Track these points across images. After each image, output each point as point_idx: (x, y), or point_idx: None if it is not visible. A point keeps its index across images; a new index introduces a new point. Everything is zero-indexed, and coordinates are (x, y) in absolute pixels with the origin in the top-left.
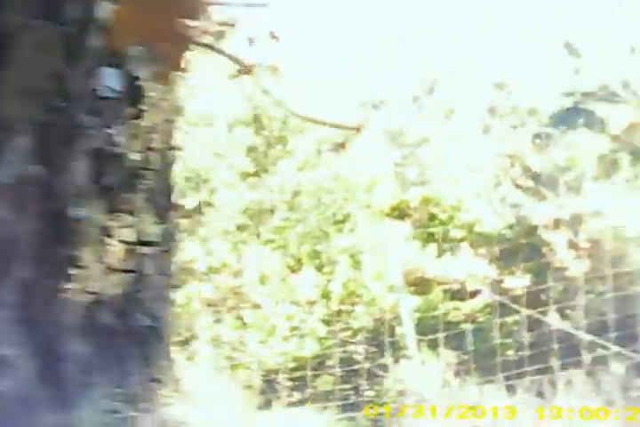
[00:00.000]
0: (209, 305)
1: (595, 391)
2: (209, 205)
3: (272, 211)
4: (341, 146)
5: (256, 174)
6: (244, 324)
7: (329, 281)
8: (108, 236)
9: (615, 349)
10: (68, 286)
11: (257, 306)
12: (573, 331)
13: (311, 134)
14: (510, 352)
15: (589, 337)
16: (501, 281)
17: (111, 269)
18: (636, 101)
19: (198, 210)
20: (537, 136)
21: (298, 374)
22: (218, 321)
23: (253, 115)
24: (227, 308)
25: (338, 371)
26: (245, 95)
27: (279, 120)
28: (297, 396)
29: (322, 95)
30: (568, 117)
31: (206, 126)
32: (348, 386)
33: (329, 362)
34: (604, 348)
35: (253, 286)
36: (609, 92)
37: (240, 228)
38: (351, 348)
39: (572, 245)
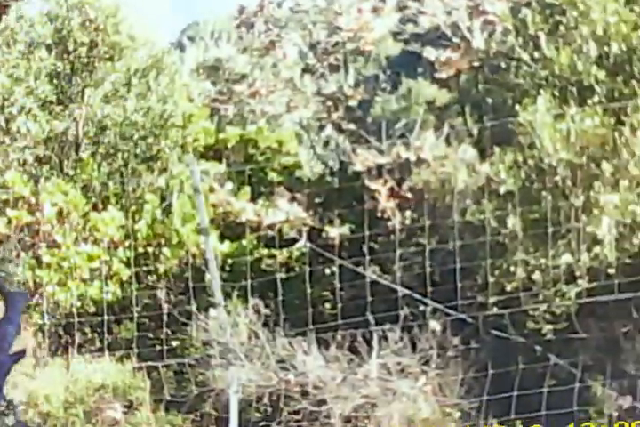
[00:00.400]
0: (0, 241)
1: (410, 348)
2: (6, 133)
3: (76, 144)
4: None
5: (60, 103)
6: (40, 263)
7: (135, 221)
8: None
9: (433, 304)
10: None
11: (55, 244)
12: (391, 284)
13: (122, 62)
14: (325, 305)
15: (407, 291)
16: (320, 230)
17: None
18: (464, 45)
19: None
20: (364, 78)
21: (97, 319)
22: (10, 260)
23: (57, 37)
24: (21, 245)
25: (141, 318)
26: (49, 14)
27: (86, 45)
28: (96, 343)
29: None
30: (402, 62)
31: (3, 46)
32: (151, 334)
33: (132, 308)
34: (422, 303)
35: (51, 222)
36: (439, 34)
37: (40, 160)
38: (156, 293)
39: (395, 195)
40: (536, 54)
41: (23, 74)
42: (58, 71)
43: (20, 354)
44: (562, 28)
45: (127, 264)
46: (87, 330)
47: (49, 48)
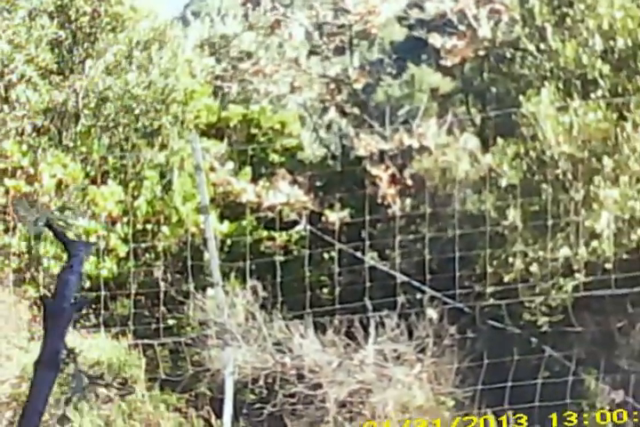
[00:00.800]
0: None
1: (407, 336)
2: (4, 101)
3: (76, 115)
4: None
5: (60, 73)
6: (37, 235)
7: (134, 197)
8: None
9: (431, 292)
10: None
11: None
12: (389, 270)
13: (124, 34)
14: (323, 289)
15: (405, 278)
16: (320, 213)
17: None
18: (470, 34)
19: None
20: (369, 62)
21: (93, 295)
22: (7, 230)
23: (59, 4)
24: (17, 215)
25: (137, 295)
26: None
27: (88, 15)
28: (91, 319)
29: None
30: (407, 47)
31: (4, 11)
32: (147, 312)
33: (128, 285)
34: (420, 291)
35: (49, 194)
36: (445, 21)
37: (38, 130)
38: (153, 271)
39: (396, 181)
40: (542, 46)
41: (24, 41)
42: (59, 40)
43: (82, 303)
44: (568, 20)
45: (125, 240)
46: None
47: (51, 16)
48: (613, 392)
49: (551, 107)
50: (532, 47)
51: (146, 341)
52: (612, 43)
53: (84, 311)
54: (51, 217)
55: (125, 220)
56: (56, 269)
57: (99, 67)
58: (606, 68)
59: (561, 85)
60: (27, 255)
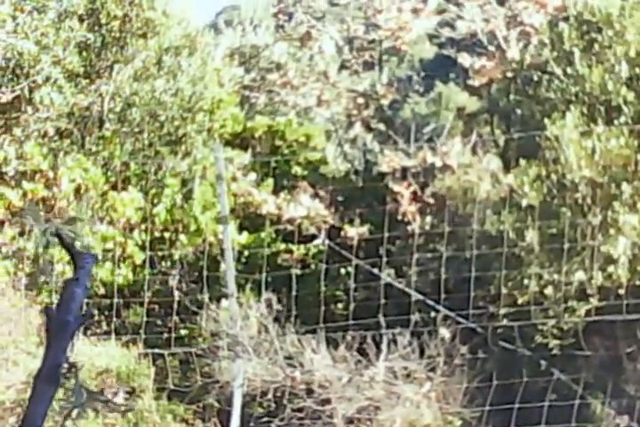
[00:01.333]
0: (14, 214)
1: (418, 354)
2: (28, 102)
3: (100, 120)
4: None
5: (87, 76)
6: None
7: (154, 205)
8: None
9: (445, 312)
10: None
11: (70, 221)
12: (405, 288)
13: (154, 40)
14: (338, 304)
15: (420, 297)
16: (339, 228)
17: None
18: (499, 55)
19: (15, 106)
20: (397, 79)
21: (106, 302)
22: (22, 234)
23: (90, 7)
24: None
25: (151, 304)
26: None
27: (119, 19)
28: (103, 326)
29: None
30: (436, 66)
31: (34, 11)
32: (159, 321)
33: (142, 293)
34: (434, 310)
35: (68, 198)
36: (475, 40)
37: (61, 133)
38: (168, 280)
39: (417, 199)
40: (569, 70)
41: (52, 42)
42: (88, 43)
43: (87, 316)
44: (596, 45)
45: (142, 248)
46: (95, 312)
47: (81, 18)
48: (618, 417)
49: (575, 131)
50: (559, 71)
51: (156, 350)
52: (637, 70)
53: (95, 318)
54: (60, 227)
55: (143, 227)
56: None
57: (126, 72)
58: (631, 96)
59: (585, 110)
60: (41, 260)
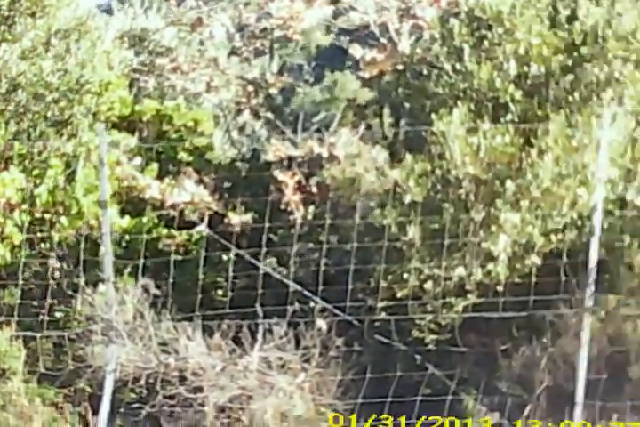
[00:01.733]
0: None
1: (294, 345)
2: None
3: None
4: None
5: None
6: None
7: (36, 185)
8: None
9: (322, 303)
10: None
11: None
12: (283, 279)
13: (43, 20)
14: (217, 291)
15: (298, 287)
16: (223, 215)
17: None
18: (391, 47)
19: None
20: (288, 67)
21: None
22: None
23: None
24: None
25: (27, 285)
26: None
27: None
28: None
29: None
30: (331, 55)
31: None
32: (35, 303)
33: (19, 274)
34: (312, 301)
35: None
36: (367, 32)
37: None
38: (47, 262)
39: (301, 188)
40: (458, 66)
41: None
42: None
43: None
44: (486, 42)
45: (21, 229)
46: None
47: None
48: (489, 414)
49: (461, 127)
50: (448, 66)
51: (29, 333)
52: (526, 68)
53: None
54: None
55: (24, 207)
56: None
57: (14, 51)
58: (518, 94)
59: (473, 107)
60: None
